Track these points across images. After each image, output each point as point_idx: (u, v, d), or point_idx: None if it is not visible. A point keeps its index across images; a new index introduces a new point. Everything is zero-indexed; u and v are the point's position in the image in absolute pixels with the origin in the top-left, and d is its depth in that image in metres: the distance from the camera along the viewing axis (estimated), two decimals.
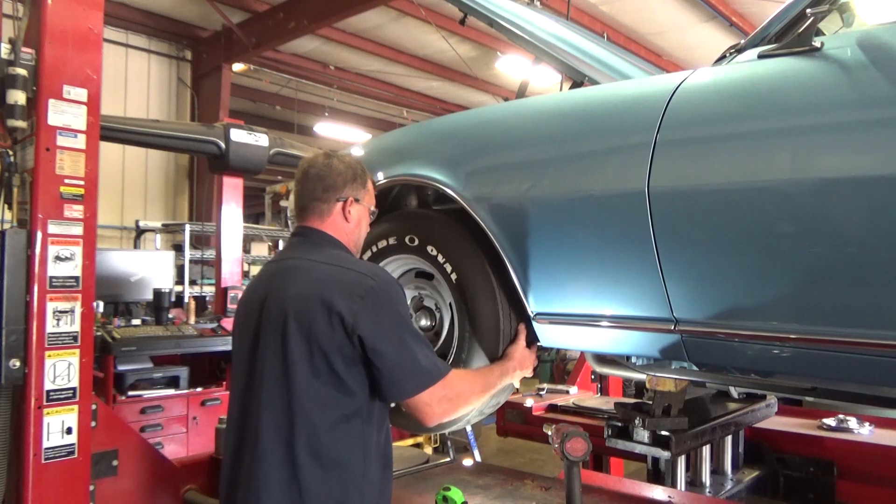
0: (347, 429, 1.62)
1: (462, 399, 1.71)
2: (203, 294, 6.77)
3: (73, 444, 2.35)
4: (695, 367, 1.82)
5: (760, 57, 1.56)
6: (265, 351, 1.66)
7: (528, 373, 1.99)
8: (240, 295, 2.44)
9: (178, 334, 4.45)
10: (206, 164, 5.86)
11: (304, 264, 1.73)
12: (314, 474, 1.58)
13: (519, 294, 1.90)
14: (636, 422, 2.05)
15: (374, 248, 2.21)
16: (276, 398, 1.62)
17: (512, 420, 3.34)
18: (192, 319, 4.87)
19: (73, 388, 2.37)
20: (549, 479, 2.48)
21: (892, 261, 1.30)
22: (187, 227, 6.79)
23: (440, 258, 2.04)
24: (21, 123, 2.40)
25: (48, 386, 2.31)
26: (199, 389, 4.51)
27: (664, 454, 2.02)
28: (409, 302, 2.31)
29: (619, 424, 2.13)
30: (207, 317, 5.12)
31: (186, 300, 5.80)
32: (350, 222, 1.81)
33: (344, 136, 12.44)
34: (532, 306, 1.88)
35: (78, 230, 2.40)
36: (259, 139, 4.78)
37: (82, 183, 2.41)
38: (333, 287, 1.63)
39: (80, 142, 2.41)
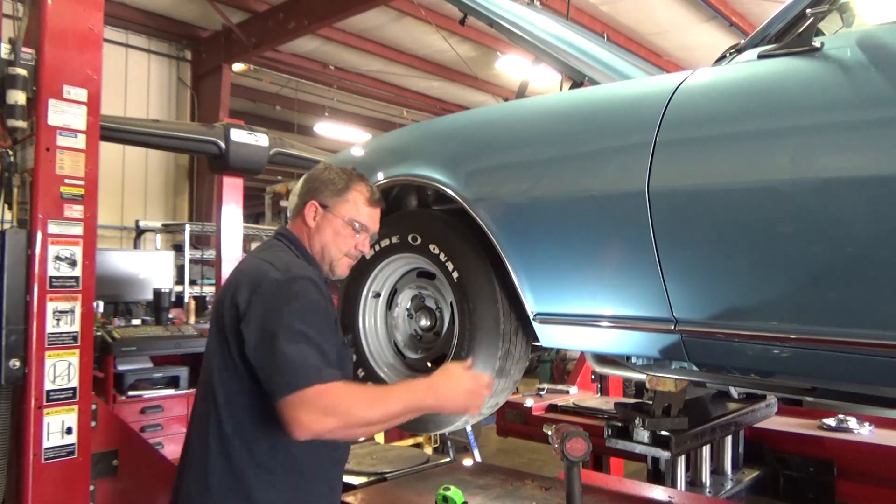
0: (253, 422, 1.61)
1: (347, 416, 1.50)
2: (203, 294, 6.77)
3: (73, 444, 2.35)
4: (695, 367, 1.82)
5: (760, 57, 1.57)
6: (205, 351, 1.76)
7: (472, 405, 1.69)
8: None
9: (178, 334, 4.44)
10: (206, 164, 5.86)
11: (245, 259, 1.81)
12: (221, 466, 1.59)
13: (519, 294, 1.90)
14: (636, 422, 2.05)
15: (377, 248, 2.21)
16: (200, 389, 1.73)
17: (512, 420, 3.33)
18: (192, 319, 4.87)
19: (73, 388, 2.37)
20: (549, 479, 2.48)
21: (892, 261, 1.30)
22: (187, 227, 6.79)
23: (442, 257, 2.04)
24: (21, 123, 2.40)
25: (48, 386, 2.31)
26: None
27: (664, 454, 2.02)
28: (409, 302, 2.32)
29: (619, 424, 2.13)
30: (207, 317, 5.11)
31: (186, 300, 5.79)
32: (310, 226, 1.78)
33: (344, 136, 12.44)
34: (532, 306, 1.88)
35: (78, 230, 2.40)
36: (259, 139, 4.77)
37: (82, 183, 2.41)
38: (244, 280, 1.64)
39: (80, 142, 2.41)
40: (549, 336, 1.90)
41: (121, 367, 4.20)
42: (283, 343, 1.52)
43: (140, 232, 7.49)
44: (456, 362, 1.72)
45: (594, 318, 1.79)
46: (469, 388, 1.63)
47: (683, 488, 2.49)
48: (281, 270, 1.63)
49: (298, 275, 1.64)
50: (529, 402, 3.30)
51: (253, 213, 12.54)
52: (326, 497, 1.74)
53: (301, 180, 1.84)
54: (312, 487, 1.69)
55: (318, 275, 1.74)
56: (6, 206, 2.50)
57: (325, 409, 1.48)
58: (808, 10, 1.47)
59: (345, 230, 1.78)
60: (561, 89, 2.45)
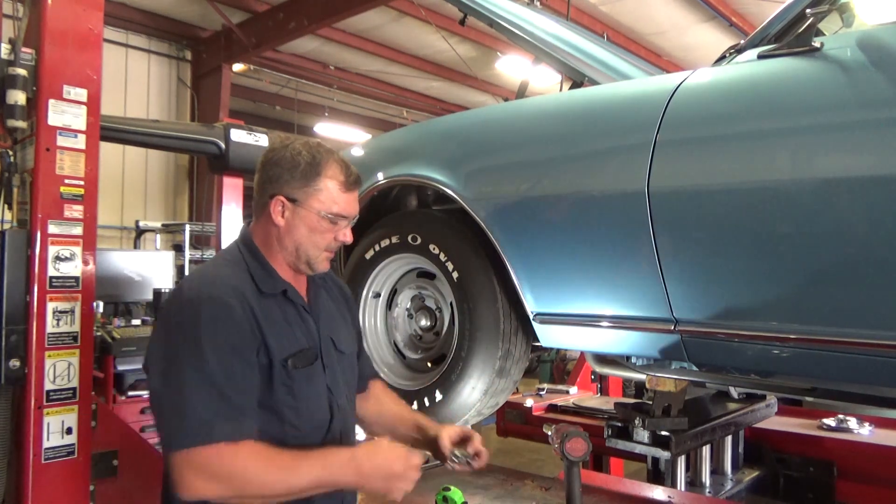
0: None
1: (242, 483, 1.28)
2: None
3: (73, 445, 2.35)
4: (695, 367, 1.82)
5: (760, 57, 1.57)
6: None
7: (396, 489, 1.41)
8: None
9: None
10: (206, 164, 5.84)
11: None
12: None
13: (519, 294, 1.90)
14: (636, 422, 2.05)
15: (377, 248, 2.21)
16: None
17: (512, 420, 3.33)
18: None
19: (73, 389, 2.37)
20: (549, 479, 2.48)
21: (892, 261, 1.30)
22: (187, 228, 6.78)
23: (442, 257, 2.04)
24: (21, 123, 2.40)
25: (48, 386, 2.31)
26: None
27: (664, 454, 2.02)
28: (409, 302, 2.32)
29: (619, 424, 2.13)
30: None
31: None
32: (279, 225, 1.49)
33: (344, 136, 12.44)
34: (532, 306, 1.88)
35: (78, 230, 2.39)
36: (259, 139, 4.77)
37: (82, 183, 2.41)
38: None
39: (80, 142, 2.41)
40: (549, 336, 1.90)
41: (121, 367, 4.19)
42: (177, 386, 1.31)
43: (140, 232, 7.48)
44: (392, 443, 1.48)
45: (594, 318, 1.79)
46: (395, 472, 1.39)
47: (683, 488, 2.49)
48: (191, 287, 1.44)
49: (210, 294, 1.38)
50: (529, 402, 3.29)
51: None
52: None
53: (259, 164, 1.53)
54: None
55: (250, 291, 1.44)
56: (6, 206, 2.50)
57: (212, 475, 1.28)
58: (808, 11, 1.47)
59: (321, 224, 1.50)
60: (561, 89, 2.45)
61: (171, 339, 1.36)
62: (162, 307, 1.45)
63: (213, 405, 1.30)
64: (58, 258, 2.35)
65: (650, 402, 2.06)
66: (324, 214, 1.49)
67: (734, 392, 2.52)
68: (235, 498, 1.30)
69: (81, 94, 2.42)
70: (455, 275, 2.01)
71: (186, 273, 6.24)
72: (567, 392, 3.58)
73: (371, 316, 2.33)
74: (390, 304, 2.34)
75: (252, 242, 1.54)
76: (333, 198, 1.50)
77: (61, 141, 2.37)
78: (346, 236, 1.55)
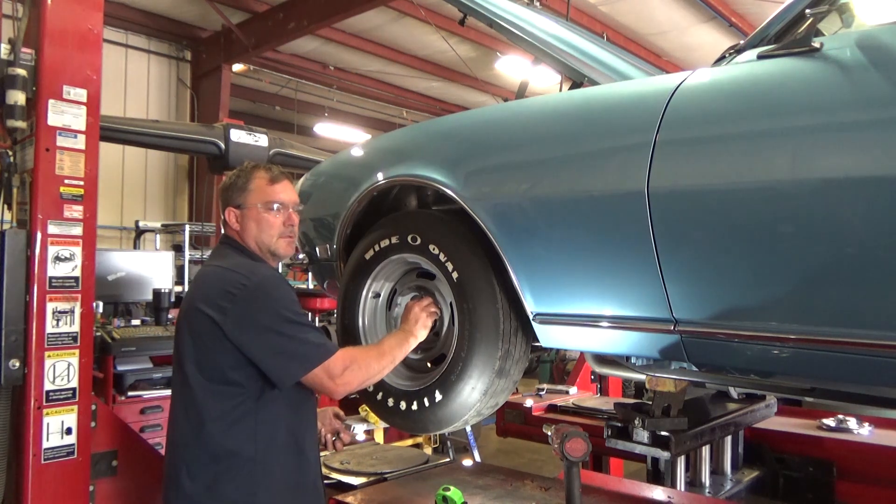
0: (235, 418, 1.80)
1: (361, 367, 1.87)
2: None
3: (72, 445, 2.35)
4: (695, 368, 1.82)
5: (760, 57, 1.56)
6: (173, 353, 1.94)
7: (423, 332, 2.08)
8: None
9: None
10: (205, 164, 5.84)
11: (204, 270, 2.00)
12: (204, 462, 1.79)
13: (518, 294, 1.90)
14: (636, 422, 2.05)
15: (377, 248, 2.21)
16: (176, 394, 1.90)
17: (512, 420, 3.34)
18: None
19: (73, 389, 2.37)
20: (549, 480, 2.48)
21: (892, 261, 1.30)
22: (187, 228, 6.77)
23: (442, 257, 2.04)
24: (21, 124, 2.40)
25: (48, 386, 2.31)
26: None
27: (664, 454, 2.02)
28: (409, 301, 2.32)
29: (619, 425, 2.13)
30: None
31: None
32: (236, 228, 1.98)
33: (344, 136, 12.45)
34: (531, 306, 1.88)
35: (78, 230, 2.40)
36: (259, 139, 4.78)
37: (82, 183, 2.41)
38: (212, 289, 1.83)
39: (80, 142, 2.41)
40: (549, 336, 1.90)
41: (120, 368, 4.19)
42: (290, 331, 1.80)
43: (140, 232, 7.48)
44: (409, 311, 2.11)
45: (594, 319, 1.79)
46: (421, 317, 2.07)
47: (683, 488, 2.50)
48: (246, 275, 1.83)
49: (266, 274, 1.88)
50: (529, 403, 3.30)
51: None
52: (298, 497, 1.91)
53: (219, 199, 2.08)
54: (303, 469, 1.92)
55: (270, 268, 1.98)
56: (6, 206, 2.51)
57: (350, 370, 1.84)
58: (808, 11, 1.47)
59: (265, 214, 1.96)
60: (561, 89, 2.45)
61: (270, 307, 1.80)
62: (231, 296, 1.78)
63: (319, 334, 1.87)
64: (58, 258, 2.35)
65: (650, 403, 2.06)
66: (261, 206, 1.95)
67: (734, 392, 2.52)
68: (366, 382, 1.92)
69: (81, 94, 2.42)
70: (455, 275, 2.01)
71: (190, 273, 6.26)
72: (567, 392, 3.59)
73: (371, 316, 2.32)
74: (390, 304, 2.34)
75: (239, 243, 1.97)
76: (265, 191, 1.97)
77: (61, 141, 2.37)
78: (294, 220, 2.02)
